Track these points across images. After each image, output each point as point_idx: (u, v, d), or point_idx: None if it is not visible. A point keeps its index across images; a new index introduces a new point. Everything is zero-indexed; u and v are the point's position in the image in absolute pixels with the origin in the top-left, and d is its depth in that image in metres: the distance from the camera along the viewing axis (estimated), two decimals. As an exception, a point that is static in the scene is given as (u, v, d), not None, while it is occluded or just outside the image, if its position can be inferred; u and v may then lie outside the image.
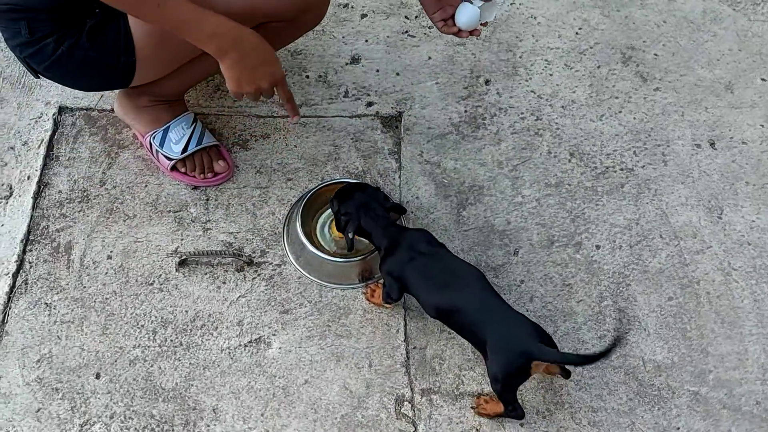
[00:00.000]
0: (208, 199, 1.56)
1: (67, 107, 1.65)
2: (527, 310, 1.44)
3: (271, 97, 1.35)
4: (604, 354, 1.17)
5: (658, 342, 1.41)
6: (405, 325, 1.43)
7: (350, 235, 1.34)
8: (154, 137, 1.53)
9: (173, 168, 1.54)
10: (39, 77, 1.40)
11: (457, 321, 1.26)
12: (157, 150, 1.53)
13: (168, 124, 1.53)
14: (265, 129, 1.66)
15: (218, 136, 1.63)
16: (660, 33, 1.83)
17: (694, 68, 1.77)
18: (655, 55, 1.79)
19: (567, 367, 1.28)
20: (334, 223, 1.47)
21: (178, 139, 1.52)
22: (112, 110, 1.60)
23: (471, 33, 1.38)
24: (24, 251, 1.47)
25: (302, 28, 1.49)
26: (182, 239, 1.51)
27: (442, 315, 1.28)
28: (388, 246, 1.34)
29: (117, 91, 1.55)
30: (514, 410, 1.26)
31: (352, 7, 1.87)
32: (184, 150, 1.52)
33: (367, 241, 1.41)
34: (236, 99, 1.42)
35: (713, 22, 1.84)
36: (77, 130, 1.63)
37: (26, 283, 1.44)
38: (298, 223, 1.47)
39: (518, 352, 1.19)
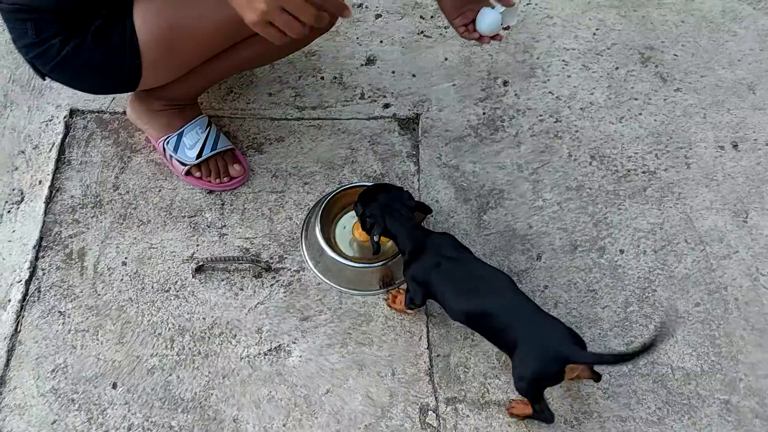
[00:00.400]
0: (223, 204, 1.52)
1: (78, 110, 1.61)
2: (552, 317, 1.40)
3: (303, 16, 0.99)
4: (643, 351, 1.12)
5: (686, 349, 1.38)
6: (427, 331, 1.39)
7: (376, 238, 1.30)
8: (168, 142, 1.48)
9: (188, 173, 1.50)
10: (45, 79, 1.35)
11: (488, 326, 1.22)
12: (171, 155, 1.49)
13: (182, 129, 1.48)
14: (279, 132, 1.62)
15: (232, 140, 1.59)
16: (679, 33, 1.79)
17: (714, 69, 1.73)
18: (675, 55, 1.75)
19: (597, 369, 1.24)
20: (355, 225, 1.43)
21: (192, 144, 1.48)
22: (124, 113, 1.56)
23: (493, 38, 1.33)
24: (36, 258, 1.43)
25: (314, 34, 1.43)
26: (198, 245, 1.46)
27: (471, 320, 1.25)
28: (412, 250, 1.30)
29: (129, 94, 1.51)
30: (542, 412, 1.22)
31: (366, 8, 1.83)
32: (199, 155, 1.48)
33: (388, 246, 1.38)
34: (260, 32, 1.03)
35: (733, 22, 1.81)
36: (89, 134, 1.58)
37: (39, 291, 1.40)
38: (317, 228, 1.43)
39: (553, 355, 1.15)
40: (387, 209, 1.32)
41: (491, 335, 1.24)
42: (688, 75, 1.72)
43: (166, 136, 1.48)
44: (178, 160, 1.48)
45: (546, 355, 1.16)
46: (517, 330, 1.18)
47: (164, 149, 1.49)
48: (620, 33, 1.79)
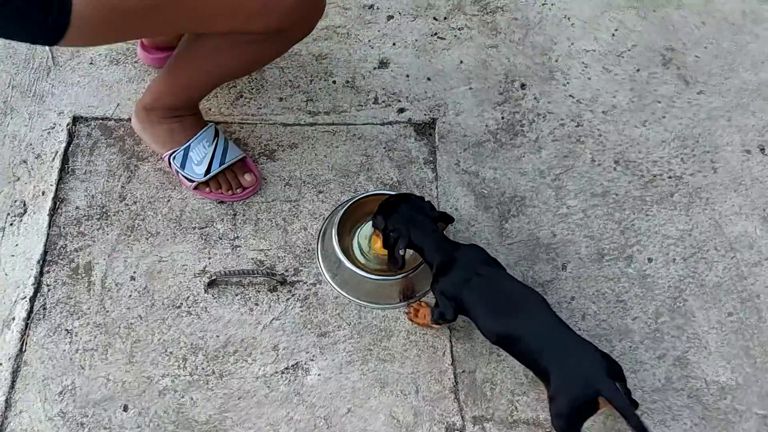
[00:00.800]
0: (235, 214, 1.44)
1: (81, 117, 1.53)
2: (580, 329, 1.33)
3: None
4: None
5: (720, 361, 1.31)
6: (451, 346, 1.32)
7: (401, 252, 1.23)
8: (174, 157, 1.40)
9: (197, 188, 1.42)
10: None
11: (520, 349, 1.15)
12: (177, 171, 1.41)
13: (188, 144, 1.39)
14: (292, 138, 1.54)
15: (243, 147, 1.51)
16: (700, 34, 1.72)
17: (737, 71, 1.67)
18: (696, 57, 1.69)
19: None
20: (374, 238, 1.36)
21: (200, 159, 1.39)
22: (130, 120, 1.48)
23: None
24: (41, 273, 1.35)
25: (287, 41, 1.28)
26: (209, 258, 1.39)
27: (502, 342, 1.17)
28: (441, 263, 1.22)
29: (135, 103, 1.42)
30: None
31: (378, 9, 1.75)
32: (207, 171, 1.39)
33: (408, 256, 1.30)
34: None
35: (754, 23, 1.74)
36: (93, 142, 1.50)
37: (44, 308, 1.32)
38: (334, 239, 1.35)
39: (585, 387, 1.07)
40: (410, 221, 1.25)
41: (522, 358, 1.17)
42: (711, 77, 1.65)
43: (171, 151, 1.40)
44: (186, 177, 1.40)
45: (578, 386, 1.08)
46: (549, 358, 1.10)
47: (170, 164, 1.41)
48: (640, 34, 1.72)
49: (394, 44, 1.70)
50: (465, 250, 1.25)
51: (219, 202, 1.44)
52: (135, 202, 1.44)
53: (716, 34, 1.73)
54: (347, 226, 1.41)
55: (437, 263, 1.23)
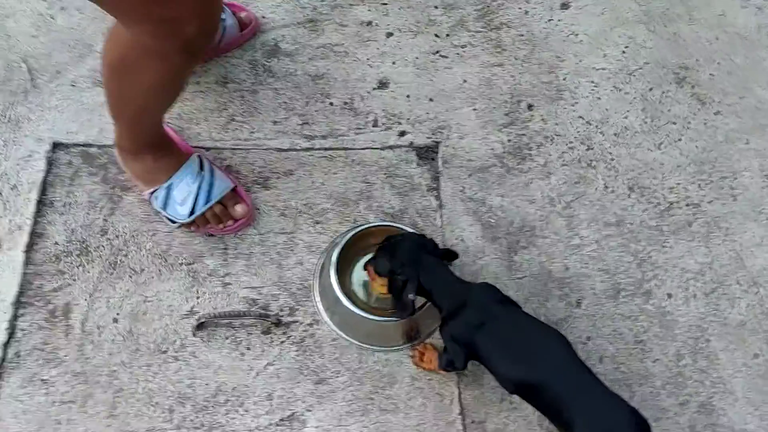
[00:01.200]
0: (226, 248, 1.31)
1: (61, 143, 1.39)
2: (598, 373, 1.18)
3: None
4: None
5: (748, 408, 1.19)
6: (459, 393, 1.19)
7: (411, 297, 1.10)
8: (155, 196, 1.26)
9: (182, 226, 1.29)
10: None
11: (541, 398, 1.02)
12: (158, 211, 1.28)
13: (170, 182, 1.25)
14: (287, 164, 1.41)
15: (235, 174, 1.38)
16: (713, 51, 1.60)
17: (753, 89, 1.55)
18: (711, 75, 1.57)
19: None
20: (371, 282, 1.22)
21: (183, 198, 1.24)
22: (113, 146, 1.35)
23: None
24: (15, 316, 1.22)
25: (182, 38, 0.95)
26: (198, 297, 1.26)
27: (521, 391, 1.05)
28: (451, 306, 1.10)
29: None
30: None
31: (376, 25, 1.62)
32: (192, 211, 1.25)
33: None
34: None
35: (770, 38, 1.62)
36: (74, 171, 1.37)
37: (18, 356, 1.18)
38: (332, 275, 1.22)
39: None
40: (417, 262, 1.12)
41: (543, 409, 1.04)
42: (726, 96, 1.53)
43: (152, 190, 1.26)
44: (168, 218, 1.27)
45: None
46: (574, 409, 0.98)
47: (151, 203, 1.28)
48: (651, 51, 1.60)
49: (393, 63, 1.57)
50: (476, 290, 1.12)
51: (208, 235, 1.32)
52: (118, 236, 1.30)
53: (730, 49, 1.61)
54: (346, 260, 1.29)
55: (447, 306, 1.11)
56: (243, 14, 1.51)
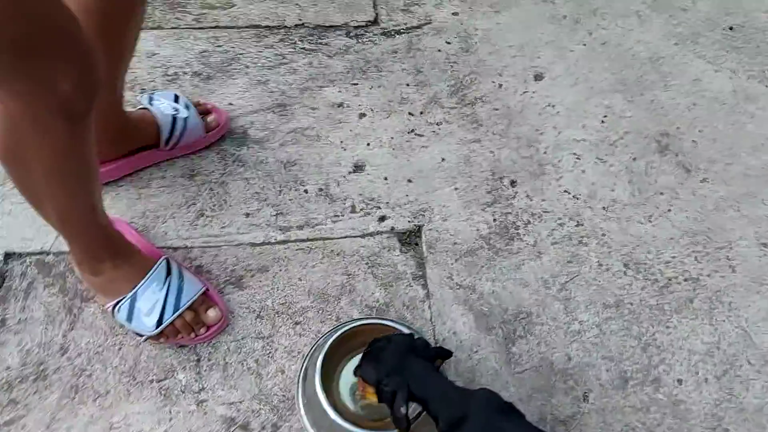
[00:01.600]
0: (199, 360, 1.17)
1: (14, 253, 1.25)
2: (614, 476, 1.08)
3: None
4: None
5: (778, 504, 1.08)
6: None
7: (403, 410, 0.97)
8: (119, 309, 1.12)
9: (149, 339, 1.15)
10: None
11: None
12: (123, 325, 1.14)
13: (134, 292, 1.12)
14: (261, 260, 1.29)
15: (206, 275, 1.25)
16: (693, 117, 1.55)
17: (739, 155, 1.49)
18: (693, 141, 1.50)
19: None
20: (359, 390, 1.10)
21: (149, 309, 1.11)
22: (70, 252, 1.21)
23: None
24: (-40, 458, 1.06)
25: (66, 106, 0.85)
26: (171, 418, 1.11)
27: None
28: (448, 418, 0.97)
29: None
30: None
31: (348, 106, 1.54)
32: (159, 322, 1.12)
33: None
34: None
35: (747, 102, 1.57)
36: (28, 282, 1.23)
37: (-36, 506, 1.02)
38: (317, 385, 1.09)
39: None
40: (405, 368, 0.99)
41: None
42: (712, 164, 1.47)
43: (115, 302, 1.13)
44: (135, 332, 1.14)
45: None
46: None
47: (114, 316, 1.14)
48: (631, 120, 1.54)
49: (368, 144, 1.48)
50: (476, 398, 1.00)
51: (179, 346, 1.18)
52: (79, 354, 1.16)
53: (709, 115, 1.55)
54: (332, 363, 1.15)
55: (446, 418, 0.98)
56: (211, 117, 1.40)
